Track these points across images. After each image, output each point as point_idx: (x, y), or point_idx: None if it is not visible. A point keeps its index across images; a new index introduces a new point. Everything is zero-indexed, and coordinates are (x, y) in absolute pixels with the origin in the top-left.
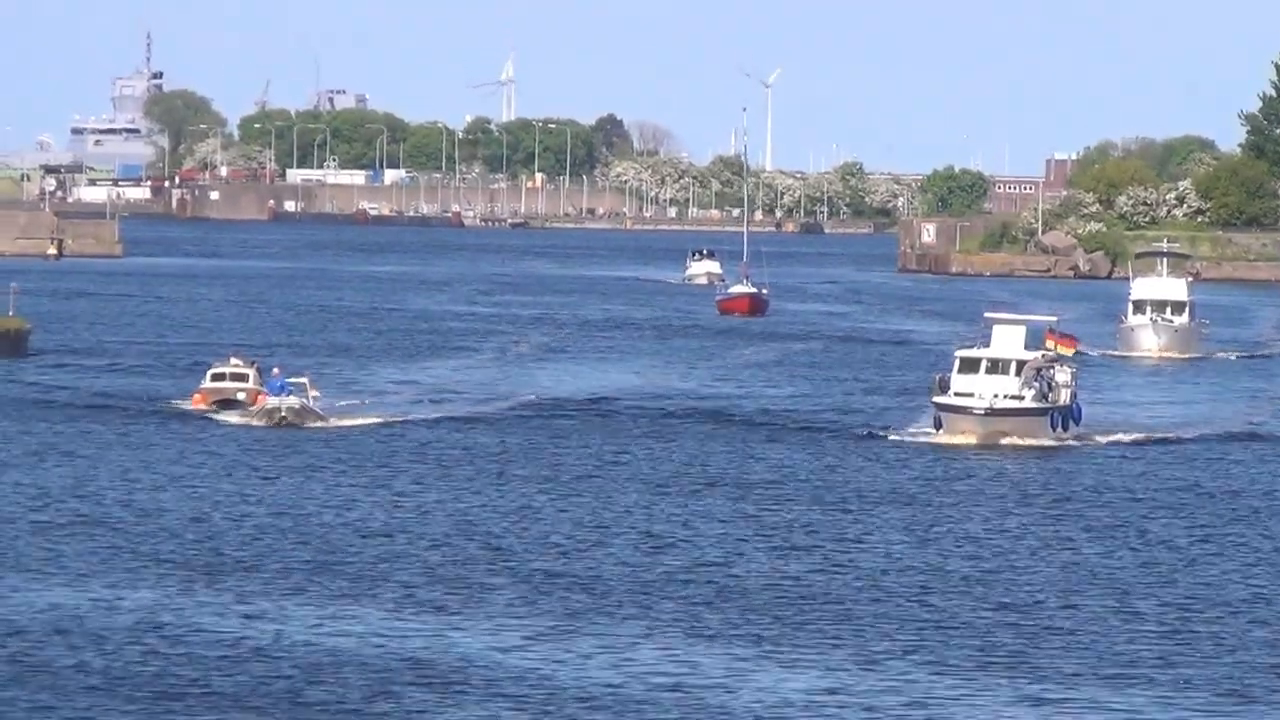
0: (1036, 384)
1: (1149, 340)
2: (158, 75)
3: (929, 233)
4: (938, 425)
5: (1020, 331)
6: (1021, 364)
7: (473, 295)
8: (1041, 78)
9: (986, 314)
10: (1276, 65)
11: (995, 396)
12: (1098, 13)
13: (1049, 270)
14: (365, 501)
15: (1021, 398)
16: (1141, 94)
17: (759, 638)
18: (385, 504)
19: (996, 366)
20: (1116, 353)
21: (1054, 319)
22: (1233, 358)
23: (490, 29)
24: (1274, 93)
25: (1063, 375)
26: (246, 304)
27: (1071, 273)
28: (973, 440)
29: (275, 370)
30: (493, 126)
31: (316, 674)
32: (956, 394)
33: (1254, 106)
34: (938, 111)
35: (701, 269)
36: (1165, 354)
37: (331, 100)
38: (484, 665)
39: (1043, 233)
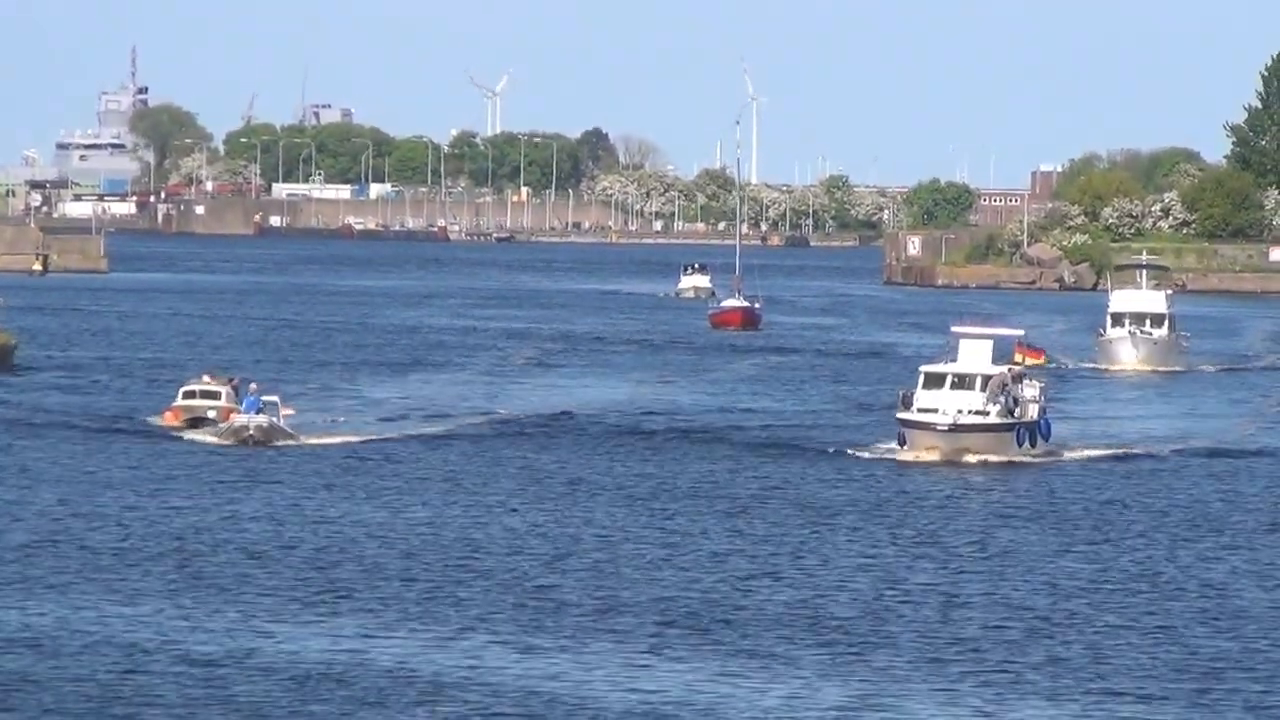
0: (1002, 399)
1: (1127, 353)
2: (143, 90)
3: (914, 245)
4: (901, 442)
5: (987, 345)
6: (987, 379)
7: (459, 310)
8: (1026, 90)
9: (953, 327)
10: (1263, 76)
11: (959, 412)
12: (1083, 25)
13: (1034, 282)
14: (337, 519)
15: (986, 413)
16: (1127, 106)
17: (722, 653)
18: (355, 520)
19: (961, 381)
20: (1096, 365)
21: (1021, 332)
22: (1213, 370)
23: (476, 44)
24: (1259, 104)
25: (1031, 390)
26: (230, 319)
27: (1057, 285)
28: (936, 457)
29: (253, 386)
30: (478, 140)
31: (295, 690)
32: (920, 410)
33: (1239, 118)
34: (923, 124)
35: (689, 283)
36: (1144, 367)
37: (317, 115)
38: (462, 678)
39: (1028, 245)
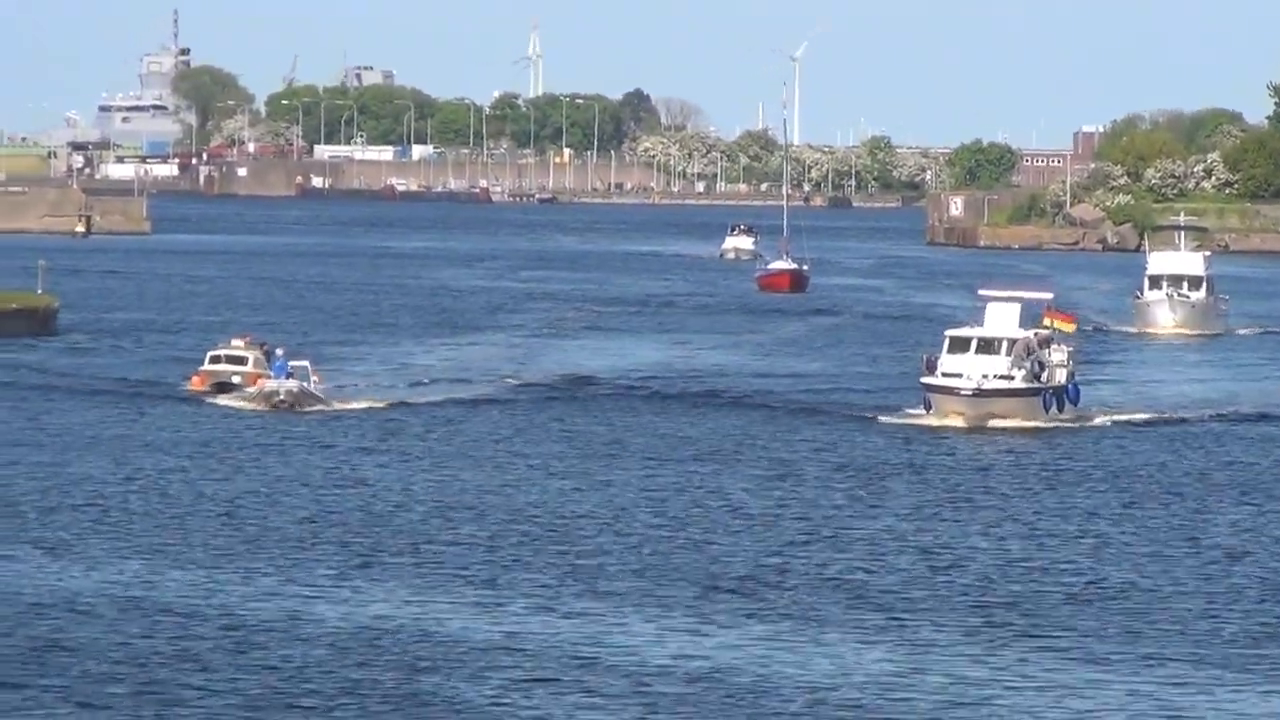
0: (1028, 363)
1: (1165, 316)
2: (185, 52)
3: (957, 206)
4: (927, 407)
5: (1015, 309)
6: (1013, 343)
7: (502, 271)
8: (1069, 50)
9: (981, 290)
10: None
11: (984, 377)
12: None
13: (1077, 243)
14: (374, 482)
15: (1011, 378)
16: (1169, 67)
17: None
18: (392, 484)
19: (987, 346)
20: (1132, 329)
21: (1050, 295)
22: (1252, 333)
23: (518, 4)
24: None
25: (1059, 354)
26: (271, 281)
27: (1100, 245)
28: (960, 422)
29: (279, 351)
30: (520, 102)
31: (339, 654)
32: (944, 374)
33: None
34: (965, 85)
35: (731, 244)
36: (1181, 330)
37: (359, 76)
38: (509, 643)
39: (1071, 206)
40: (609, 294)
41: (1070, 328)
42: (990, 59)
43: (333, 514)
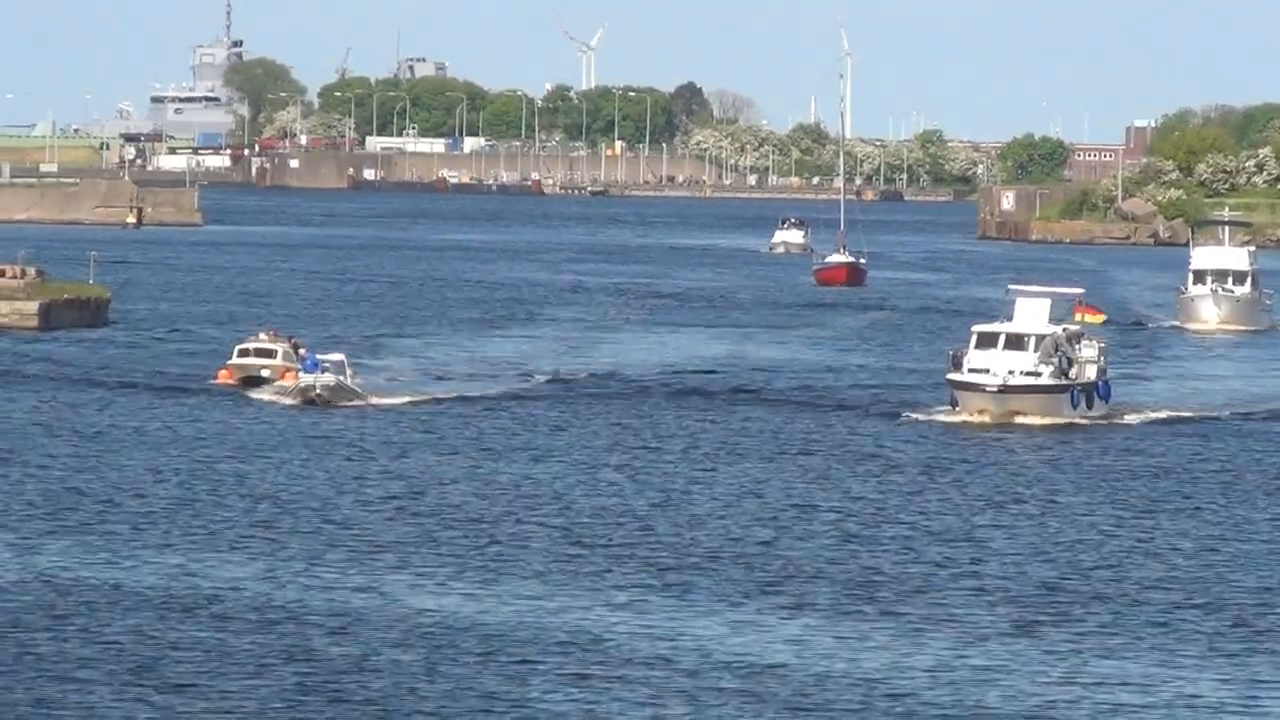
0: (1055, 359)
1: (1209, 311)
2: (238, 43)
3: (1009, 200)
4: (953, 404)
5: (1045, 304)
6: (1041, 338)
7: (554, 263)
8: (1121, 45)
9: (1010, 285)
10: None
11: (1010, 373)
12: None
13: (1129, 238)
14: (419, 476)
15: (1038, 374)
16: (1221, 61)
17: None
18: (437, 477)
19: (1015, 341)
20: (1176, 324)
21: (1081, 290)
22: None
23: None
24: None
25: (1089, 350)
26: (321, 274)
27: (1151, 240)
28: (986, 419)
29: (302, 352)
30: (572, 94)
31: (386, 647)
32: (971, 370)
33: None
34: (1017, 79)
35: (781, 239)
36: (1226, 326)
37: (411, 68)
38: (561, 635)
39: (1122, 200)
40: (663, 288)
41: (1099, 320)
42: (1042, 53)
43: (356, 508)
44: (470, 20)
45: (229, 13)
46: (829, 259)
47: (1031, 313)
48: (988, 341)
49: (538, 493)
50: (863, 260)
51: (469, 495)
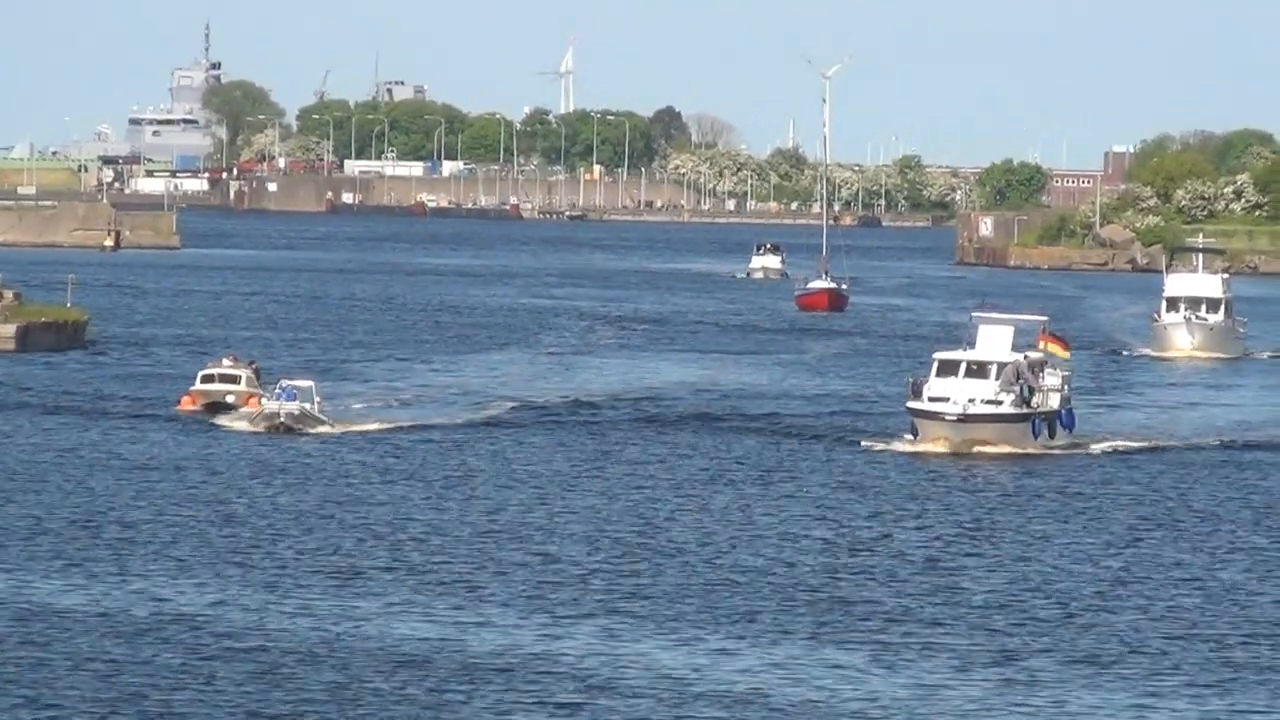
0: (1016, 387)
1: (1182, 339)
2: (216, 66)
3: (987, 226)
4: (914, 432)
5: (1008, 332)
6: (1002, 366)
7: (533, 289)
8: (1099, 71)
9: (974, 313)
10: None
11: (970, 401)
12: (1156, 6)
13: (1106, 264)
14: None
15: (999, 402)
16: (1200, 87)
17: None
18: (406, 507)
19: (976, 369)
20: (1151, 351)
21: (1045, 318)
22: (1269, 357)
23: (550, 20)
24: None
25: (1053, 379)
26: (298, 297)
27: (1129, 266)
28: (945, 448)
29: (283, 383)
30: (551, 118)
31: (379, 671)
32: (931, 399)
33: None
34: (996, 105)
35: (759, 264)
36: (1199, 353)
37: (390, 91)
38: (531, 662)
39: (1100, 226)
40: (643, 313)
41: (1064, 354)
42: (1021, 79)
43: (318, 536)
44: (449, 44)
45: (207, 35)
46: (811, 284)
47: (994, 340)
48: (949, 369)
49: (505, 520)
50: (845, 286)
51: (434, 521)
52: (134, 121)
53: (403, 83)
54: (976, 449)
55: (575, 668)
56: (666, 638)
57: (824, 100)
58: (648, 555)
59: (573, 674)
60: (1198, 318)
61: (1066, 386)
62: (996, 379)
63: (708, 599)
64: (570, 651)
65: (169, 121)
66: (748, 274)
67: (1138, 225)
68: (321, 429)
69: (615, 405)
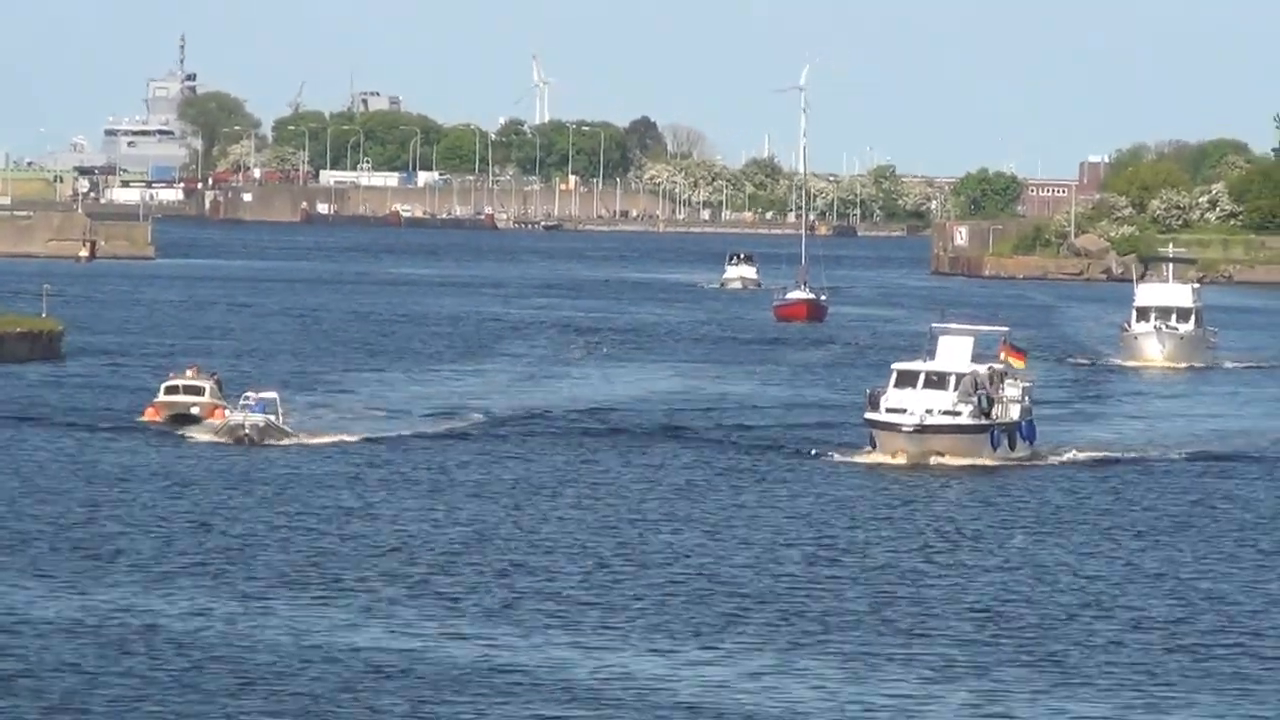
0: (975, 399)
1: (1152, 348)
2: (191, 77)
3: (962, 235)
4: (872, 444)
5: (968, 343)
6: (960, 377)
7: (507, 298)
8: (1075, 81)
9: (933, 324)
10: None
11: (928, 412)
12: (1132, 15)
13: (1082, 273)
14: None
15: (957, 413)
16: (1175, 97)
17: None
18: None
19: (934, 380)
20: (1120, 360)
21: (1006, 329)
22: (1241, 367)
23: (524, 32)
24: None
25: (1013, 390)
26: (273, 308)
27: (1104, 276)
28: (903, 460)
29: (251, 396)
30: (526, 129)
31: (344, 683)
32: (888, 410)
33: None
34: (971, 114)
35: (735, 274)
36: (1170, 363)
37: (365, 102)
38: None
39: (1075, 236)
40: (619, 323)
41: (1021, 364)
42: (997, 88)
43: (284, 547)
44: (424, 54)
45: (183, 46)
46: (789, 294)
47: (953, 351)
48: (907, 380)
49: (474, 532)
50: (823, 296)
51: (403, 533)
52: (109, 132)
53: (378, 94)
54: (935, 460)
55: (549, 679)
56: (641, 648)
57: (805, 110)
58: (622, 566)
59: (546, 684)
60: (1168, 327)
61: (1027, 398)
62: (955, 390)
63: (681, 610)
64: (544, 662)
65: (144, 132)
66: (721, 284)
67: (1113, 235)
68: (286, 441)
69: (589, 416)
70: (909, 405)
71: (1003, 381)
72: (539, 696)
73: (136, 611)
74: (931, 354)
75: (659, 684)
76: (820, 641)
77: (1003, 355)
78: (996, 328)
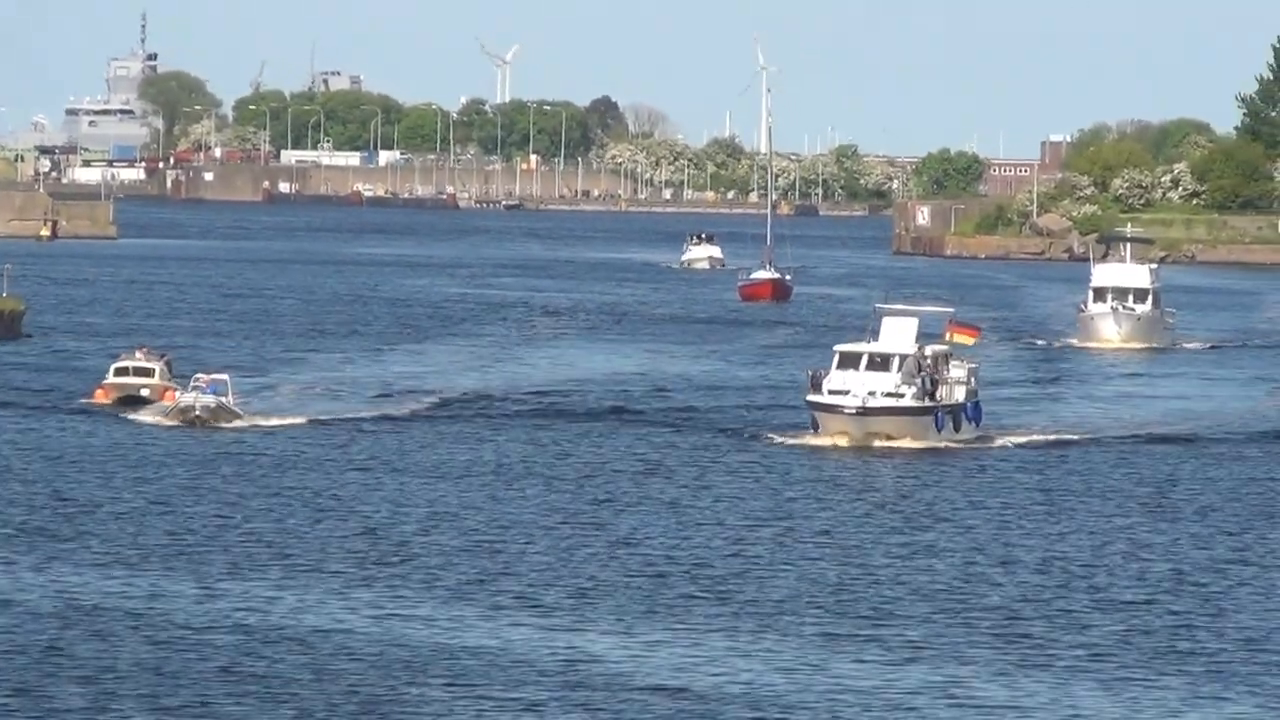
0: (918, 380)
1: (1109, 329)
2: (152, 56)
3: (924, 215)
4: (814, 426)
5: (912, 324)
6: (904, 358)
7: (467, 279)
8: (1037, 60)
9: (877, 305)
10: (1274, 47)
11: (870, 394)
12: None
13: (1044, 253)
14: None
15: (900, 395)
16: (1137, 76)
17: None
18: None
19: (877, 362)
20: (1076, 341)
21: (952, 309)
22: (1200, 347)
23: (486, 10)
24: (1270, 75)
25: (958, 371)
26: (232, 288)
27: (1066, 255)
28: (845, 442)
29: (203, 379)
30: (487, 108)
31: (317, 665)
32: (830, 392)
33: (1250, 89)
34: (933, 94)
35: (702, 253)
36: (1127, 344)
37: (326, 82)
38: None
39: (1038, 215)
40: (586, 304)
41: (971, 341)
42: (958, 68)
43: (238, 528)
44: (385, 34)
45: (144, 26)
46: (754, 274)
47: (897, 332)
48: (850, 362)
49: (426, 514)
50: (788, 276)
51: (358, 514)
52: (70, 112)
53: (339, 73)
54: (878, 443)
55: (513, 660)
56: (603, 629)
57: (768, 90)
58: (584, 547)
59: (509, 665)
60: (1125, 308)
61: (973, 379)
62: (899, 371)
63: (641, 592)
64: (508, 644)
65: (105, 112)
66: (685, 264)
67: (1075, 214)
68: (238, 423)
69: (548, 397)
70: (852, 387)
71: (947, 363)
72: (504, 677)
73: (97, 592)
74: (875, 335)
75: (622, 665)
76: (792, 621)
77: (950, 335)
78: (943, 308)
